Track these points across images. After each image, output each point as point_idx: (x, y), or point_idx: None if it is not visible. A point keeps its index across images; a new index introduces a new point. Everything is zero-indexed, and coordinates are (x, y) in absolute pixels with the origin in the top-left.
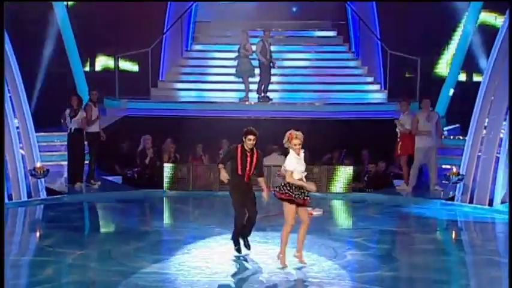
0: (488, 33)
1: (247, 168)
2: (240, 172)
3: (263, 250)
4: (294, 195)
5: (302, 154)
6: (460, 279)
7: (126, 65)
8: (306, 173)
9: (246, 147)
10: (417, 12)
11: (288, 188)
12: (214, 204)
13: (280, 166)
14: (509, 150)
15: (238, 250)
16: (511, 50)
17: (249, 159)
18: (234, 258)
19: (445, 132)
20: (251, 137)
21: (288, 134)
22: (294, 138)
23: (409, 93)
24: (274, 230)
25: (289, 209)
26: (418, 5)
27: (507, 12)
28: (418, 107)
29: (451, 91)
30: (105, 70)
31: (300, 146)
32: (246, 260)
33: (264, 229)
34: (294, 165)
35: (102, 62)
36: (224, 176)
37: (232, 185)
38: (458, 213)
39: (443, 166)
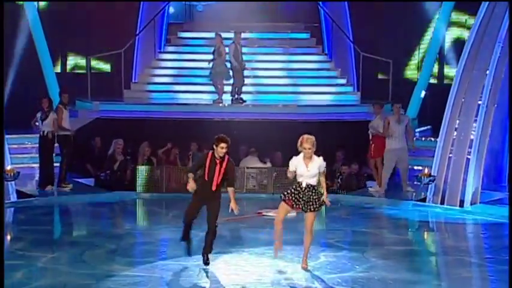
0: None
1: (215, 177)
2: (206, 179)
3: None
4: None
5: (315, 159)
6: (432, 279)
7: (99, 67)
8: (314, 180)
9: (217, 155)
10: (389, 15)
11: (289, 193)
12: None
13: (256, 168)
14: (509, 151)
15: (186, 246)
16: (511, 49)
17: (218, 167)
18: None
19: (417, 134)
20: (223, 144)
21: (301, 137)
22: (305, 142)
23: (382, 95)
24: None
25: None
26: (391, 7)
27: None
28: (390, 109)
29: (423, 93)
30: (77, 71)
31: (310, 150)
32: (220, 261)
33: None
34: (293, 166)
35: (74, 63)
36: (191, 186)
37: (196, 190)
38: (430, 214)
39: (415, 167)
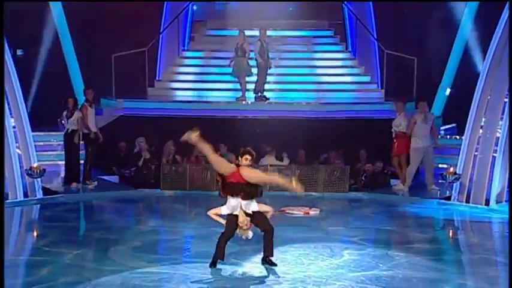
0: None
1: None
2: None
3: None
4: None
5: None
6: (456, 278)
7: (123, 65)
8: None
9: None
10: (414, 12)
11: None
12: (211, 204)
13: (275, 166)
14: (509, 151)
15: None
16: (511, 49)
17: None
18: (231, 258)
19: (442, 132)
20: (248, 156)
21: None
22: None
23: (406, 92)
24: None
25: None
26: (415, 4)
27: (504, 11)
28: (414, 107)
29: (448, 91)
30: (102, 70)
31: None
32: (242, 260)
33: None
34: None
35: (99, 61)
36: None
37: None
38: (455, 212)
39: (440, 166)
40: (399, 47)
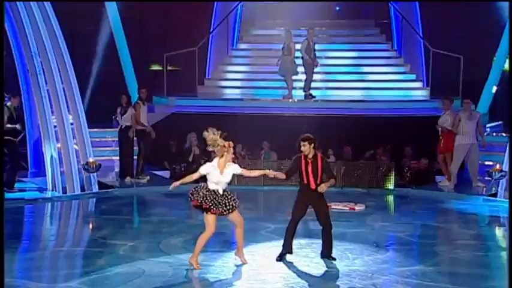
0: None
1: (310, 176)
2: (305, 181)
3: (307, 243)
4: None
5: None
6: (502, 274)
7: (174, 64)
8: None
9: (306, 155)
10: (460, 11)
11: (196, 195)
12: (258, 198)
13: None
14: (509, 151)
15: (279, 257)
16: (511, 49)
17: (310, 166)
18: (279, 251)
19: (488, 130)
20: (302, 143)
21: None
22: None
23: (452, 90)
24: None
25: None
26: (461, 4)
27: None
28: (460, 105)
29: (494, 88)
30: (154, 69)
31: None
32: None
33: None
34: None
35: (152, 61)
36: (274, 173)
37: (299, 194)
38: (501, 209)
39: (486, 163)
40: (445, 46)
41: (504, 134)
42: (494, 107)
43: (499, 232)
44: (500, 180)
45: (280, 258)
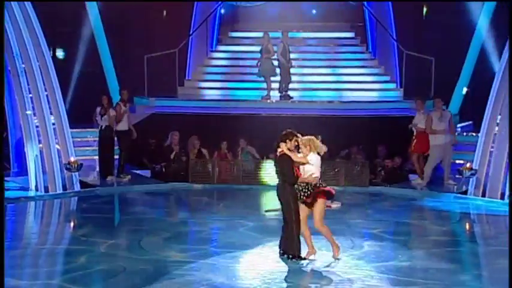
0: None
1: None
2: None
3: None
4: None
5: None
6: (472, 269)
7: (155, 65)
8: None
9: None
10: (432, 13)
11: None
12: (237, 196)
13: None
14: (509, 150)
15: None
16: (511, 49)
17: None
18: (258, 248)
19: (458, 129)
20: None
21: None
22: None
23: (424, 91)
24: None
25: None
26: (433, 6)
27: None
28: (432, 105)
29: (465, 90)
30: (135, 70)
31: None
32: (270, 249)
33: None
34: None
35: (132, 62)
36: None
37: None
38: (471, 206)
39: (457, 161)
40: (418, 48)
41: (474, 134)
42: (465, 107)
43: (469, 228)
44: (471, 179)
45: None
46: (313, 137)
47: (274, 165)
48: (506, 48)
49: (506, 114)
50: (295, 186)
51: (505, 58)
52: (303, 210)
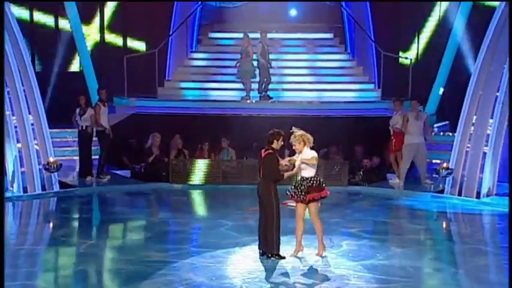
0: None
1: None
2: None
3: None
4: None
5: (301, 152)
6: (449, 267)
7: (135, 65)
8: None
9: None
10: (410, 15)
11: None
12: (217, 196)
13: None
14: (509, 149)
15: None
16: (511, 49)
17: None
18: (238, 247)
19: (435, 129)
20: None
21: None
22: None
23: (402, 92)
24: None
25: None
26: (411, 6)
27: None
28: (410, 106)
29: (441, 90)
30: (115, 70)
31: (294, 146)
32: (246, 248)
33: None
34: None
35: (112, 62)
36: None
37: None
38: (448, 205)
39: (434, 161)
40: (396, 48)
41: (450, 134)
42: (442, 107)
43: (446, 227)
44: (447, 178)
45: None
46: (303, 132)
47: (259, 163)
48: (482, 48)
49: (481, 114)
50: (293, 182)
51: (480, 58)
52: (300, 206)
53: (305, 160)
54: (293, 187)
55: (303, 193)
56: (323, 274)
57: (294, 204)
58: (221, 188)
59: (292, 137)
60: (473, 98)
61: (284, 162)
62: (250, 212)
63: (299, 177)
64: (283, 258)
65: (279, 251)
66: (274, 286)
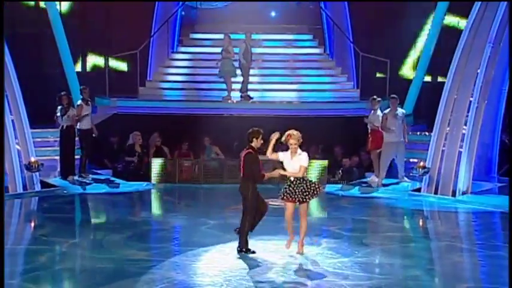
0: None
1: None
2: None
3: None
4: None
5: (299, 154)
6: (425, 263)
7: (116, 65)
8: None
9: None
10: (388, 16)
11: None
12: (198, 195)
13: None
14: (509, 149)
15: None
16: (511, 48)
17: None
18: (219, 246)
19: (412, 129)
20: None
21: (286, 133)
22: (291, 138)
23: (380, 92)
24: None
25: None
26: (388, 8)
27: (469, 17)
28: (387, 105)
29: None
30: (96, 70)
31: (296, 145)
32: (228, 246)
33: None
34: (280, 157)
35: (93, 62)
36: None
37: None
38: (424, 203)
39: (411, 160)
40: (374, 49)
41: (427, 133)
42: (419, 107)
43: (423, 224)
44: (424, 177)
45: None
46: (297, 131)
47: (240, 162)
48: (457, 50)
49: (458, 114)
50: (288, 183)
51: (455, 60)
52: (291, 205)
53: (305, 165)
54: (288, 187)
55: (303, 193)
56: (302, 271)
57: (278, 204)
58: (203, 187)
59: (292, 136)
60: (449, 99)
61: (272, 155)
62: (232, 211)
63: (292, 178)
64: (253, 252)
65: (247, 246)
66: (255, 283)
